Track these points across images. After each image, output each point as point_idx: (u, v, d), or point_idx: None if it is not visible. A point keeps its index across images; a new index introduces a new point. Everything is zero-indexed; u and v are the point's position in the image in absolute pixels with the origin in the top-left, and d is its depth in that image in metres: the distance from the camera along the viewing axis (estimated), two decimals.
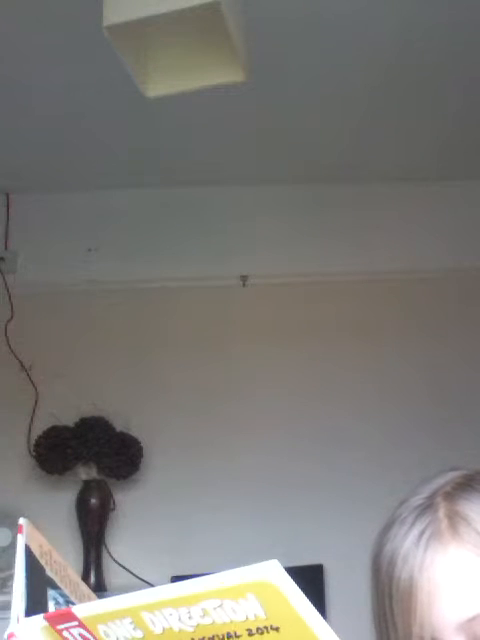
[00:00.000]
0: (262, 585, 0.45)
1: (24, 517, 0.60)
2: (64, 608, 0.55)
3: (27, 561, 0.56)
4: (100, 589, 2.60)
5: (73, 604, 0.58)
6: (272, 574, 0.45)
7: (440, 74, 2.36)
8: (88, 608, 0.50)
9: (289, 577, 0.45)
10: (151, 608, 0.48)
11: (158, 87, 1.59)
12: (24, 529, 0.58)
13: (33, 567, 0.56)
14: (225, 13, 1.39)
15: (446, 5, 2.01)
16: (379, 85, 2.40)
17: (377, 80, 2.37)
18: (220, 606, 0.46)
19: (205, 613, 0.46)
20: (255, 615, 0.46)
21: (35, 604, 0.54)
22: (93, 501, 2.66)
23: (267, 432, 2.84)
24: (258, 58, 1.81)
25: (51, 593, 0.57)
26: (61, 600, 0.57)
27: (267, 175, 2.97)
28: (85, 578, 2.60)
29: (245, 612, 0.46)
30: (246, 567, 0.45)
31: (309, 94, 2.45)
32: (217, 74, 1.57)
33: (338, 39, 2.14)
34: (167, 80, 1.59)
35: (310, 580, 2.63)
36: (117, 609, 0.48)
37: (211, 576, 0.46)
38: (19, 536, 0.57)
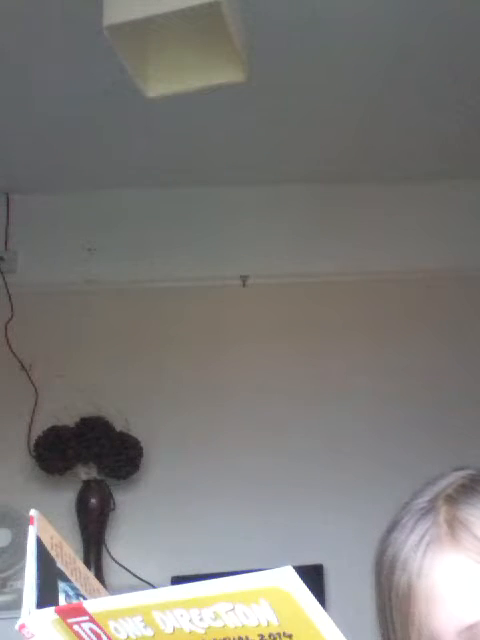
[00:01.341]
0: (275, 591, 0.45)
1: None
2: (75, 602, 0.55)
3: (38, 553, 0.56)
4: None
5: (83, 597, 0.58)
6: (285, 581, 0.44)
7: (440, 74, 2.36)
8: (99, 604, 0.50)
9: (303, 584, 0.45)
10: (162, 608, 0.47)
11: (158, 87, 1.59)
12: (35, 521, 0.58)
13: (44, 559, 0.56)
14: (226, 13, 1.39)
15: (446, 3, 2.01)
16: (379, 85, 2.40)
17: (377, 80, 2.37)
18: (232, 610, 0.46)
19: (217, 616, 0.46)
20: (268, 621, 0.45)
21: (46, 596, 0.54)
22: (93, 501, 2.66)
23: (267, 432, 2.84)
24: (258, 58, 1.81)
25: (61, 585, 0.57)
26: (71, 593, 0.57)
27: (267, 175, 2.97)
28: None
29: (257, 617, 0.45)
30: (260, 572, 0.44)
31: (309, 94, 2.45)
32: (217, 74, 1.57)
33: (338, 39, 2.14)
34: (167, 80, 1.59)
35: (310, 580, 2.61)
36: (128, 607, 0.48)
37: (224, 579, 0.45)
38: (30, 528, 0.57)
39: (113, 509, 2.73)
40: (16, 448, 2.75)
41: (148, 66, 1.57)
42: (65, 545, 0.61)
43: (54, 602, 0.55)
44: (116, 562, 2.70)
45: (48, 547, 0.57)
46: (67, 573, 0.58)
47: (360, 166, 2.95)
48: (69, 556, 0.60)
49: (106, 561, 2.68)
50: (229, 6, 1.41)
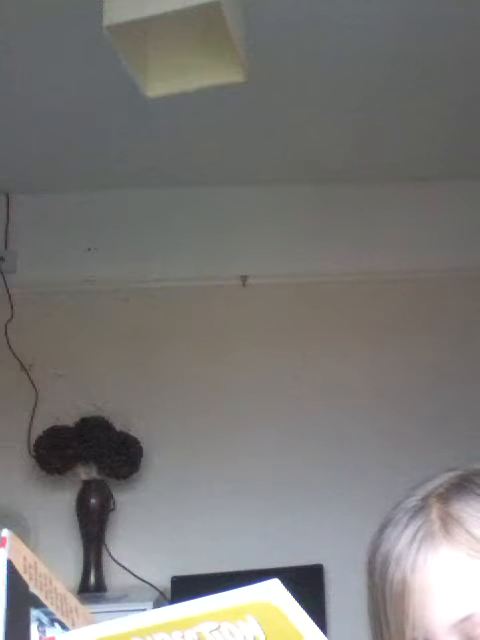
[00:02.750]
0: (263, 606, 0.43)
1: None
2: (48, 637, 0.52)
3: (9, 580, 0.52)
4: (100, 589, 2.60)
5: (58, 621, 0.55)
6: (273, 594, 0.43)
7: (441, 73, 2.35)
8: (72, 637, 0.47)
9: (291, 596, 0.43)
10: (142, 634, 0.45)
11: (158, 87, 1.59)
12: (7, 543, 0.53)
13: (16, 586, 0.52)
14: (225, 13, 1.39)
15: (447, 2, 2.01)
16: (379, 85, 2.40)
17: (377, 80, 2.37)
18: (217, 629, 0.44)
19: (200, 637, 0.44)
20: (254, 637, 0.44)
21: (15, 632, 0.50)
22: (93, 501, 2.66)
23: (267, 432, 2.84)
24: (258, 58, 1.81)
25: (34, 613, 0.53)
26: (45, 619, 0.54)
27: (267, 175, 2.97)
28: (85, 578, 2.60)
29: (244, 634, 0.44)
30: (245, 587, 0.43)
31: (309, 94, 2.45)
32: (217, 74, 1.57)
33: (338, 39, 2.14)
34: (167, 80, 1.59)
35: (310, 580, 2.63)
36: (104, 636, 0.45)
37: (207, 597, 0.44)
38: (1, 550, 0.52)
39: (113, 509, 2.73)
40: (16, 448, 2.75)
41: (148, 66, 1.57)
42: (39, 564, 0.57)
43: (25, 636, 0.51)
44: (116, 562, 2.70)
45: (21, 570, 0.54)
46: (41, 597, 0.55)
47: (360, 166, 2.95)
48: (44, 576, 0.57)
49: (106, 561, 2.68)
50: (229, 6, 1.41)
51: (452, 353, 2.93)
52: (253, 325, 2.96)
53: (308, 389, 2.90)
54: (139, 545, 2.76)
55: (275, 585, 0.43)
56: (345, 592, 2.57)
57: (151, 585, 2.63)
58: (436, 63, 2.30)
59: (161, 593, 2.58)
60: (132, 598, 2.47)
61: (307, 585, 2.58)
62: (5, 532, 0.53)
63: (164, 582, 2.61)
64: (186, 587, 2.56)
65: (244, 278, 2.98)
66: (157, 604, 2.41)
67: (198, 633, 0.44)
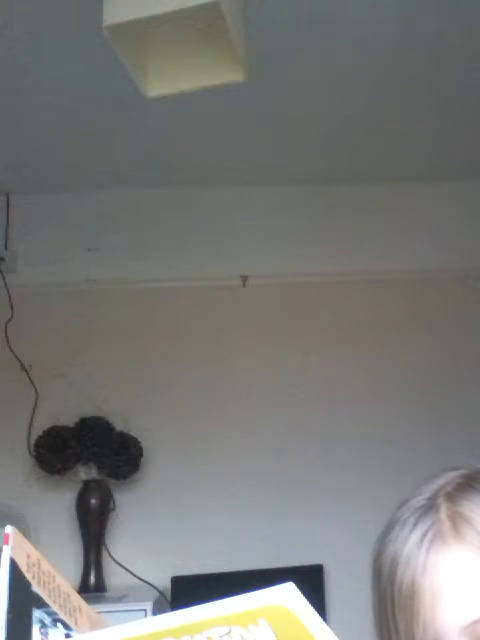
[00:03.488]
0: (276, 610, 0.42)
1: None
2: None
3: (11, 580, 0.51)
4: (100, 589, 2.60)
5: (61, 622, 0.54)
6: (288, 598, 0.42)
7: (440, 74, 2.35)
8: None
9: (306, 600, 0.42)
10: (149, 639, 0.44)
11: (158, 87, 1.59)
12: (10, 540, 0.52)
13: (18, 586, 0.51)
14: (225, 13, 1.39)
15: (447, 3, 2.01)
16: (379, 85, 2.40)
17: (377, 80, 2.37)
18: (228, 634, 0.43)
19: None
20: None
21: (17, 634, 0.49)
22: (93, 501, 2.66)
23: (267, 431, 2.84)
24: (258, 57, 1.81)
25: (37, 613, 0.51)
26: (48, 620, 0.52)
27: (267, 175, 2.97)
28: (85, 578, 2.60)
29: (255, 639, 0.43)
30: (258, 591, 0.42)
31: (309, 94, 2.45)
32: (217, 74, 1.57)
33: (338, 38, 2.14)
34: (167, 80, 1.59)
35: (310, 580, 2.63)
36: None
37: (219, 601, 0.43)
38: (5, 548, 0.51)
39: (113, 509, 2.73)
40: (16, 448, 2.75)
41: (148, 66, 1.57)
42: (43, 561, 0.56)
43: (27, 638, 0.50)
44: (116, 562, 2.70)
45: (24, 569, 0.52)
46: (44, 595, 0.53)
47: (360, 166, 2.95)
48: (47, 574, 0.56)
49: (106, 561, 2.68)
50: (229, 6, 1.41)
51: (451, 353, 2.93)
52: (253, 325, 2.96)
53: (308, 389, 2.90)
54: (139, 545, 2.76)
55: (290, 589, 0.42)
56: (345, 592, 2.57)
57: (151, 585, 2.63)
58: (436, 63, 2.30)
59: (161, 593, 2.58)
60: (132, 598, 2.47)
61: (307, 585, 2.57)
62: (8, 528, 0.52)
63: (164, 582, 2.61)
64: (186, 587, 2.56)
65: (244, 278, 2.98)
66: (157, 604, 2.41)
67: (208, 638, 0.43)
